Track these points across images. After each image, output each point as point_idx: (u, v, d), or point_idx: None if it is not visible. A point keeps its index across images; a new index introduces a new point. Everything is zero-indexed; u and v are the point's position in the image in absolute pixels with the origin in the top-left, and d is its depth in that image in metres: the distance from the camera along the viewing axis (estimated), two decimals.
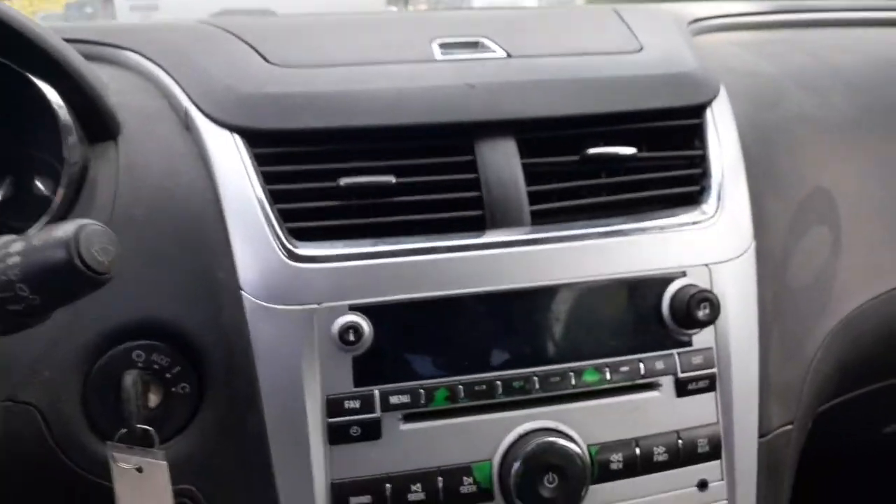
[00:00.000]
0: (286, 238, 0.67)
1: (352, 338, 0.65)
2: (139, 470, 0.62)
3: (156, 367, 0.64)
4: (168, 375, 0.64)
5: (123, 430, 0.62)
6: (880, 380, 0.95)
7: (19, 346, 0.60)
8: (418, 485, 0.66)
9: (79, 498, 0.66)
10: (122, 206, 0.66)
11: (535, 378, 0.69)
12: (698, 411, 0.73)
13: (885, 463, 1.32)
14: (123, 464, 0.62)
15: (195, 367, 0.65)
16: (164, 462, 0.62)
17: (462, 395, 0.67)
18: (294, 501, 0.65)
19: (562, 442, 0.67)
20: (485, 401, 0.68)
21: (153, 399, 0.64)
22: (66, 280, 0.48)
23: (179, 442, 0.65)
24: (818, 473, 1.01)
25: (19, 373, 0.62)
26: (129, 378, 0.62)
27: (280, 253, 0.66)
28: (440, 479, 0.66)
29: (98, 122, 0.69)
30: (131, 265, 0.63)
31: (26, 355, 0.62)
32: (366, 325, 0.65)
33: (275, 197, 0.68)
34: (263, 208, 0.67)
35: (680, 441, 0.71)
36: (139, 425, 0.62)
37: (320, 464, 0.65)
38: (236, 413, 0.65)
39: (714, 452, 0.73)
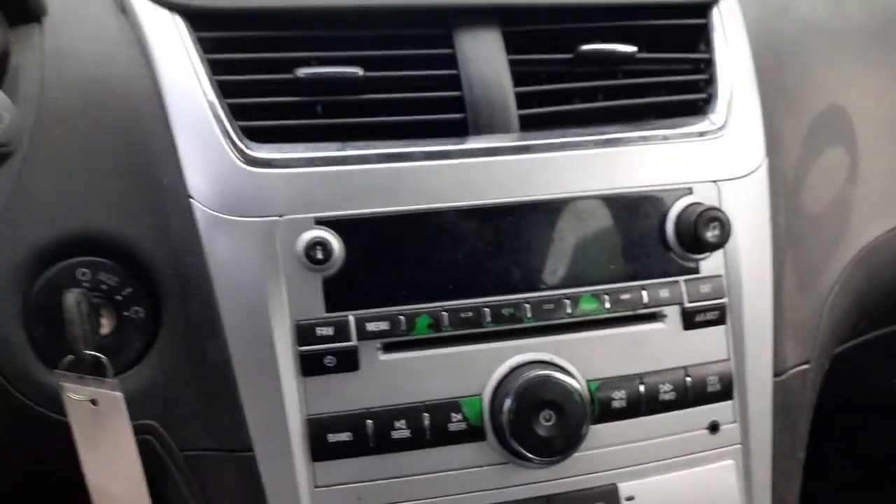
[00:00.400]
0: (239, 138, 0.60)
1: (320, 256, 0.59)
2: (94, 403, 0.57)
3: (104, 287, 0.59)
4: (118, 297, 0.59)
5: (70, 357, 0.57)
6: None
7: None
8: (402, 421, 0.61)
9: (34, 434, 0.61)
10: (50, 97, 0.60)
11: (527, 305, 0.63)
12: (707, 346, 0.67)
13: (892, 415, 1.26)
14: (74, 394, 0.57)
15: (147, 287, 0.60)
16: (120, 393, 0.58)
17: (446, 322, 0.62)
18: (266, 438, 0.60)
19: (558, 376, 0.62)
20: (472, 329, 0.62)
21: (106, 325, 0.59)
22: None
23: (137, 373, 0.60)
24: (835, 420, 0.96)
25: None
26: (72, 297, 0.57)
27: (233, 155, 0.60)
28: (426, 415, 0.61)
29: (18, 2, 0.62)
30: (66, 166, 0.58)
31: None
32: (335, 242, 0.59)
33: (224, 90, 0.61)
34: (211, 102, 0.61)
35: (688, 378, 0.66)
36: (89, 352, 0.57)
37: (293, 397, 0.60)
38: (196, 340, 0.60)
39: (725, 392, 0.67)
